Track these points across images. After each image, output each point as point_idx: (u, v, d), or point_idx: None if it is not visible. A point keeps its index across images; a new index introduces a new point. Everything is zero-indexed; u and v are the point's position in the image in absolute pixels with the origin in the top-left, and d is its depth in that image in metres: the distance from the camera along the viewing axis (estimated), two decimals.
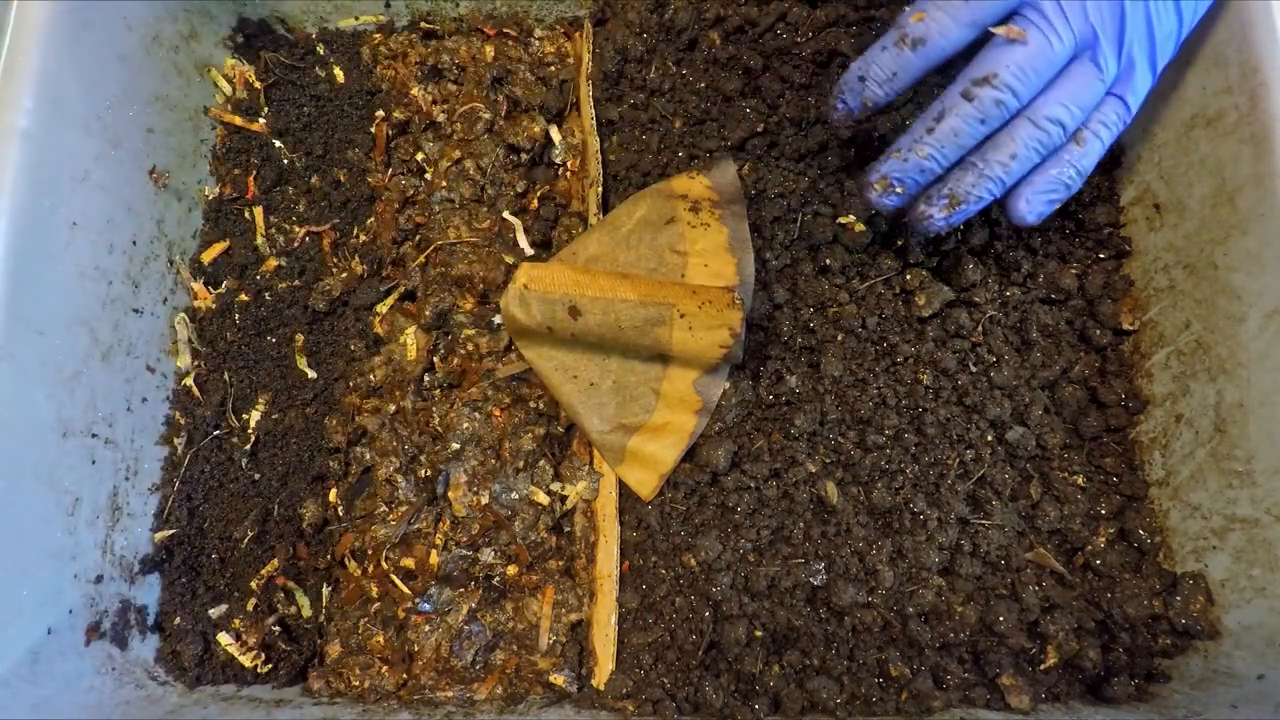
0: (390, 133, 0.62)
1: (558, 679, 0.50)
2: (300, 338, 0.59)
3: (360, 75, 0.63)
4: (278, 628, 0.53)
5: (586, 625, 0.52)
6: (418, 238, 0.59)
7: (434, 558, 0.53)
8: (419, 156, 0.61)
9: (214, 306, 0.59)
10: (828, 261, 0.55)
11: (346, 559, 0.54)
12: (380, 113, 0.62)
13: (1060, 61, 0.42)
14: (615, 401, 0.53)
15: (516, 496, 0.53)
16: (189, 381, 0.57)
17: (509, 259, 0.58)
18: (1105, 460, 0.53)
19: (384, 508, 0.54)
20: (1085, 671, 0.49)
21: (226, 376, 0.57)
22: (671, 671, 0.49)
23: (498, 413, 0.55)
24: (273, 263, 0.60)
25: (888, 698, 0.48)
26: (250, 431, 0.57)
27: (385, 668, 0.51)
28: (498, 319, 0.57)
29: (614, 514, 0.52)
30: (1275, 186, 0.46)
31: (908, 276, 0.55)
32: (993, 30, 0.42)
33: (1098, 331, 0.55)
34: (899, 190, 0.46)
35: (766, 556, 0.51)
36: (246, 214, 0.61)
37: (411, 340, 0.57)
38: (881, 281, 0.55)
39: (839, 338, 0.54)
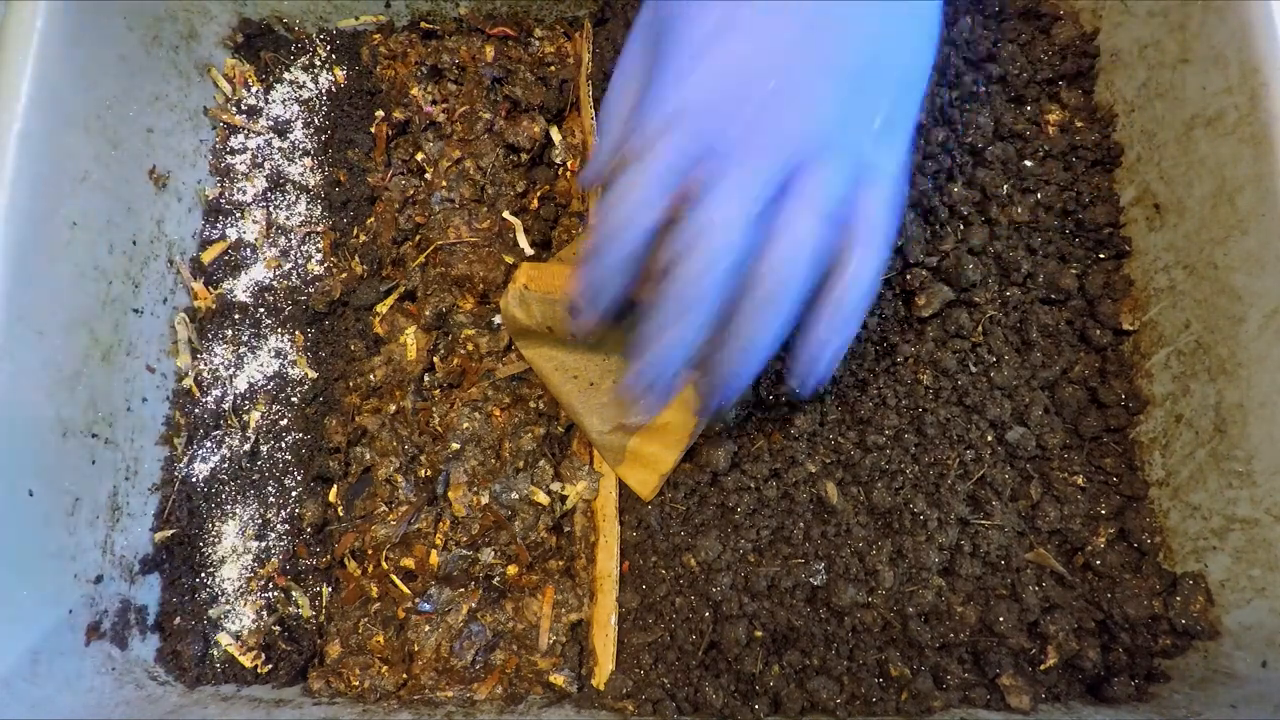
0: (390, 133, 0.62)
1: (558, 679, 0.50)
2: (300, 337, 0.59)
3: (360, 75, 0.63)
4: (278, 628, 0.53)
5: (586, 625, 0.52)
6: (418, 238, 0.59)
7: (434, 558, 0.53)
8: (419, 156, 0.61)
9: (214, 306, 0.59)
10: None
11: (346, 559, 0.54)
12: (380, 113, 0.62)
13: None
14: (616, 402, 0.53)
15: (516, 496, 0.53)
16: (189, 381, 0.57)
17: (509, 259, 0.58)
18: (1105, 460, 0.53)
19: (384, 508, 0.54)
20: (1085, 671, 0.49)
21: (227, 376, 0.57)
22: (671, 671, 0.49)
23: (498, 413, 0.55)
24: (273, 263, 0.60)
25: (888, 698, 0.48)
26: (250, 432, 0.57)
27: (385, 668, 0.51)
28: (498, 319, 0.57)
29: (614, 514, 0.52)
30: (1275, 186, 0.46)
31: (908, 276, 0.55)
32: None
33: (1098, 331, 0.55)
34: None
35: (766, 556, 0.51)
36: (247, 214, 0.61)
37: (411, 340, 0.57)
38: (881, 281, 0.55)
39: None
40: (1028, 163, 0.57)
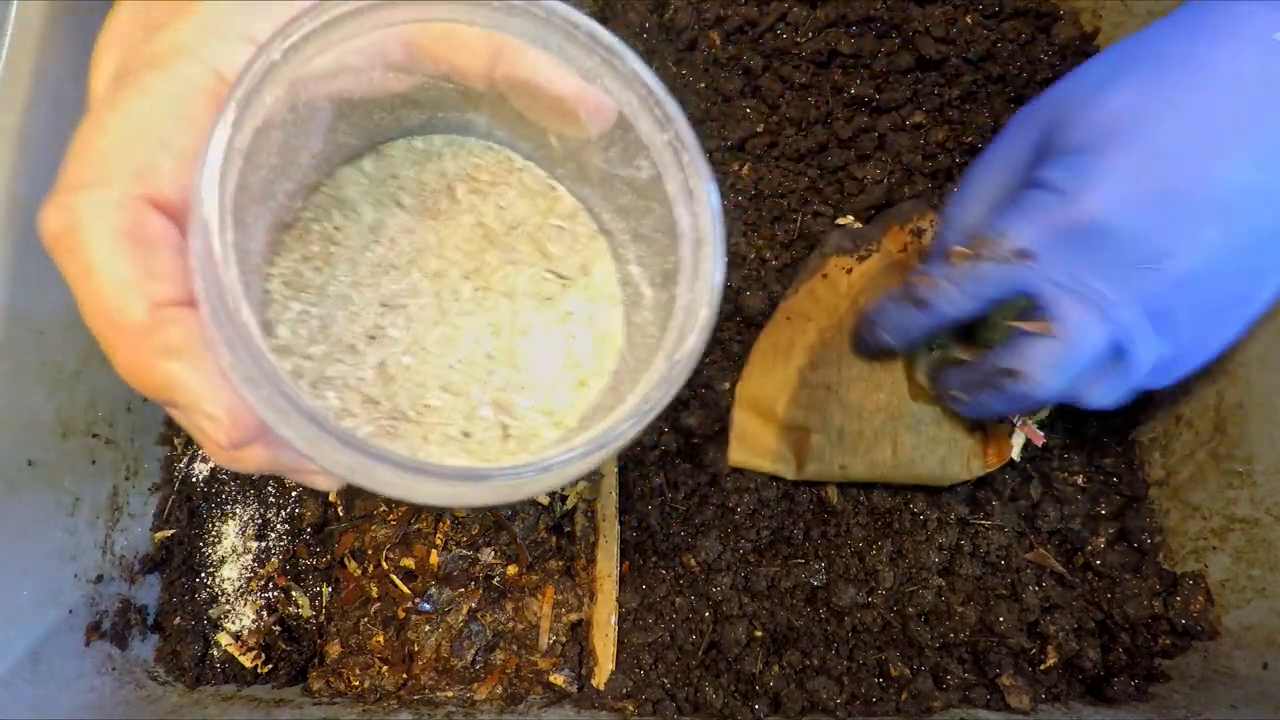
0: None
1: (558, 679, 0.50)
2: None
3: None
4: (278, 628, 0.53)
5: (586, 625, 0.52)
6: None
7: (434, 558, 0.53)
8: None
9: None
10: None
11: (346, 559, 0.54)
12: None
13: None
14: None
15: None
16: None
17: None
18: (1105, 460, 0.53)
19: (384, 508, 0.54)
20: (1085, 671, 0.49)
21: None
22: (671, 671, 0.49)
23: None
24: None
25: (888, 698, 0.48)
26: None
27: (385, 668, 0.51)
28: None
29: (614, 514, 0.52)
30: None
31: None
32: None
33: None
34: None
35: (766, 557, 0.51)
36: None
37: None
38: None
39: None
40: None
